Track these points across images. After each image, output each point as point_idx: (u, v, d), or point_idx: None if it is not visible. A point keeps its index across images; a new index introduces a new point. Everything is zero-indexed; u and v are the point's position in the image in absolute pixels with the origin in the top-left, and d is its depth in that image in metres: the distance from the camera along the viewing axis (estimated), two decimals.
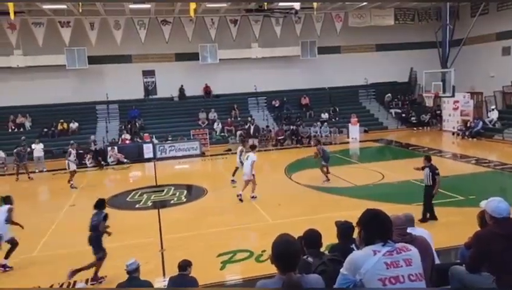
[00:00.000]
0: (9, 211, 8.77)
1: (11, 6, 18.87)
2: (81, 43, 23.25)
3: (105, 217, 7.83)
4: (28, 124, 23.01)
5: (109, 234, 7.97)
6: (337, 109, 26.19)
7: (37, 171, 18.55)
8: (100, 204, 7.97)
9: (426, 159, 9.96)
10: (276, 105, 26.46)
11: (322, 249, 4.45)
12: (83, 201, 13.77)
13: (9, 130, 22.45)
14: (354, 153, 21.30)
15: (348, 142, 22.94)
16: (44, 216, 12.31)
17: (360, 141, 22.91)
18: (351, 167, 17.04)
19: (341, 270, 2.77)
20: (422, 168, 9.87)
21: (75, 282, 7.59)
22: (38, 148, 19.02)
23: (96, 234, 7.72)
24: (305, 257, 4.29)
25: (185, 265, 5.94)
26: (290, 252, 2.66)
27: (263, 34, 25.49)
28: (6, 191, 14.31)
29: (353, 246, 4.50)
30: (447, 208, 10.50)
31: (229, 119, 24.64)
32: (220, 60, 25.35)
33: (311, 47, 26.60)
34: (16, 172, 17.20)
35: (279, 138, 22.75)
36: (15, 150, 17.55)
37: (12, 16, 19.92)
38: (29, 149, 19.50)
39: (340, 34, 26.41)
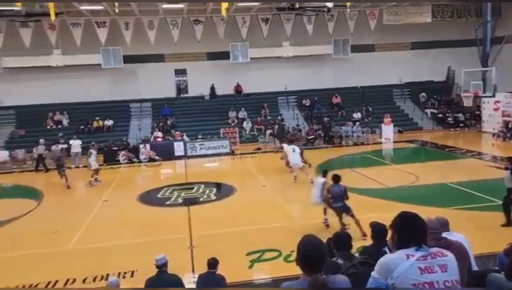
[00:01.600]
0: None
1: (51, 8, 19.59)
2: (116, 43, 23.87)
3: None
4: (65, 121, 23.86)
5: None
6: (370, 109, 25.64)
7: (73, 166, 19.18)
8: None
9: (509, 161, 9.40)
10: (307, 104, 26.21)
11: (351, 252, 4.33)
12: (116, 196, 14.18)
13: (48, 127, 23.35)
14: (386, 153, 20.76)
15: (380, 143, 22.39)
16: (80, 210, 12.71)
17: (394, 142, 22.30)
18: (383, 168, 16.62)
19: (372, 273, 2.69)
20: (506, 169, 9.34)
21: (107, 275, 7.78)
22: (76, 145, 19.68)
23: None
24: (334, 258, 4.19)
25: (213, 263, 5.96)
26: (316, 254, 2.60)
27: (295, 32, 25.30)
28: (43, 184, 14.96)
29: (386, 249, 4.36)
30: (490, 212, 10.01)
31: (258, 118, 24.63)
32: (251, 58, 25.38)
33: (344, 45, 26.18)
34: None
35: (310, 137, 22.50)
36: (56, 161, 16.83)
37: (52, 17, 20.71)
38: (66, 145, 20.31)
39: (374, 31, 25.85)
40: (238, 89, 26.70)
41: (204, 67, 25.93)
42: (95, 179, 15.63)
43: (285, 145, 15.97)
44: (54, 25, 22.67)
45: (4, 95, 23.80)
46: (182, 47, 25.03)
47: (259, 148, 21.77)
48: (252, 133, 23.89)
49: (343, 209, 9.11)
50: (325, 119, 23.77)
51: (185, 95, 26.47)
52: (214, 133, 22.63)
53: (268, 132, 23.06)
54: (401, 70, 27.05)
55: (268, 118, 24.77)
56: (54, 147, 20.56)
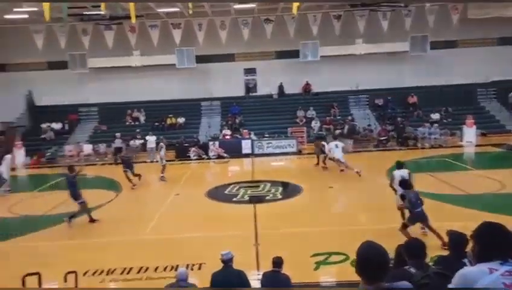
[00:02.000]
0: None
1: (132, 11, 20.84)
2: (190, 44, 24.76)
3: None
4: (142, 118, 25.26)
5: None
6: (450, 109, 23.84)
7: (148, 161, 20.22)
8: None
9: None
10: (380, 104, 25.09)
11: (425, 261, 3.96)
12: (186, 191, 14.66)
13: (127, 123, 24.89)
14: (468, 157, 19.17)
15: (461, 146, 20.70)
16: (153, 202, 13.35)
17: (476, 145, 20.52)
18: (464, 173, 15.32)
19: (449, 285, 2.48)
20: None
21: (177, 266, 8.02)
22: (151, 140, 20.75)
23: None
24: (406, 267, 3.91)
25: (279, 262, 5.86)
26: (376, 261, 2.38)
27: (368, 29, 24.35)
28: (122, 176, 15.88)
29: (465, 260, 3.93)
30: None
31: (327, 118, 24.07)
32: (320, 57, 24.91)
33: (423, 42, 24.61)
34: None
35: (382, 138, 21.48)
36: (121, 155, 17.43)
37: (133, 19, 22.05)
38: (142, 141, 21.54)
39: (456, 26, 24.00)
40: (306, 88, 26.34)
41: (273, 66, 25.94)
42: (161, 177, 16.03)
43: (326, 144, 16.45)
44: (134, 27, 24.11)
45: (89, 93, 25.80)
46: (252, 46, 25.29)
47: None
48: (320, 133, 23.39)
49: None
50: (399, 119, 22.54)
51: (254, 94, 26.70)
52: (281, 132, 22.55)
53: (337, 131, 22.43)
54: (486, 68, 24.77)
55: (338, 117, 24.11)
56: (131, 142, 21.96)
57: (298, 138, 21.93)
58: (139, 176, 15.41)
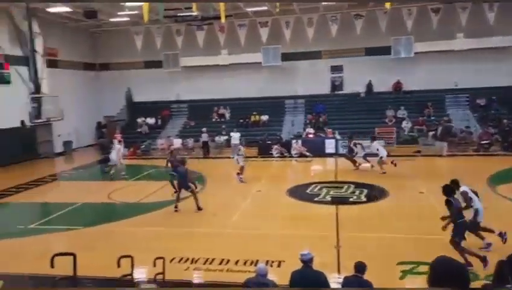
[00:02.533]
0: None
1: (222, 11, 21.54)
2: (276, 42, 24.87)
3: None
4: (227, 115, 26.02)
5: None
6: None
7: (232, 156, 20.70)
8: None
9: None
10: (482, 104, 22.76)
11: None
12: (267, 188, 14.71)
13: (213, 120, 25.82)
14: None
15: None
16: (235, 197, 13.61)
17: None
18: None
19: None
20: None
21: (257, 261, 8.04)
22: (235, 137, 21.27)
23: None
24: (509, 285, 3.39)
25: (361, 267, 5.54)
26: (453, 277, 2.19)
27: (471, 22, 22.18)
28: (208, 170, 16.43)
29: None
30: None
31: (420, 118, 22.46)
32: (415, 53, 23.34)
33: None
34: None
35: (483, 142, 19.41)
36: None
37: (223, 19, 22.79)
38: (227, 137, 22.19)
39: None
40: (397, 86, 24.87)
41: (361, 63, 24.94)
42: (240, 178, 15.76)
43: (375, 143, 16.84)
44: (223, 26, 24.89)
45: (181, 91, 27.29)
46: (340, 43, 24.59)
47: (418, 151, 19.82)
48: (412, 134, 21.91)
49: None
50: (505, 121, 20.21)
51: (340, 92, 25.94)
52: (368, 132, 21.56)
53: (430, 133, 20.84)
54: None
55: (432, 118, 22.37)
56: (217, 138, 22.75)
57: (387, 138, 20.78)
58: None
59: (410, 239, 9.10)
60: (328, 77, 26.04)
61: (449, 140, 19.70)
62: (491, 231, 8.45)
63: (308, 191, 13.90)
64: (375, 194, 13.31)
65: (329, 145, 20.57)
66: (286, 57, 25.12)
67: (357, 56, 25.06)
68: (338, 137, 21.28)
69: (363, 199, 12.84)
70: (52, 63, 23.30)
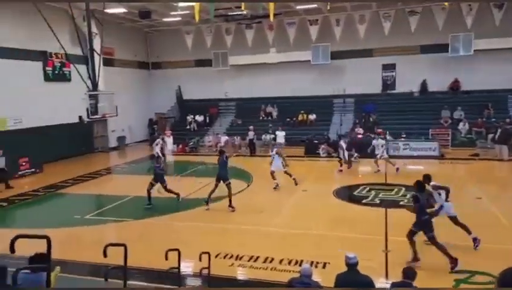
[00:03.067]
0: None
1: (271, 9, 21.49)
2: (325, 40, 24.46)
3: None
4: (274, 114, 25.98)
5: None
6: None
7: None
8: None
9: None
10: None
11: None
12: (314, 188, 14.50)
13: (260, 118, 25.88)
14: None
15: None
16: (281, 196, 13.53)
17: None
18: None
19: None
20: None
21: (301, 261, 7.95)
22: (280, 135, 21.19)
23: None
24: None
25: (411, 273, 5.28)
26: None
27: None
28: (254, 168, 16.47)
29: None
30: None
31: (479, 120, 21.15)
32: (474, 51, 22.02)
33: None
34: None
35: None
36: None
37: (271, 18, 22.73)
38: (273, 135, 22.15)
39: None
40: (455, 85, 23.58)
41: (416, 61, 23.89)
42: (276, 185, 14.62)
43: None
44: (272, 25, 24.86)
45: (229, 89, 27.62)
46: (392, 40, 23.73)
47: (476, 154, 18.69)
48: (469, 136, 20.69)
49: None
50: None
51: (392, 91, 25.03)
52: (421, 133, 20.68)
53: (490, 136, 19.57)
54: None
55: (493, 119, 21.00)
56: (263, 136, 22.79)
57: (441, 140, 19.79)
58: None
59: (465, 247, 8.56)
60: (379, 76, 25.22)
61: (510, 143, 18.38)
62: (468, 231, 8.54)
63: (356, 192, 13.56)
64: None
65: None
66: (335, 55, 24.65)
67: (411, 54, 24.06)
68: (389, 138, 20.54)
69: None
70: (108, 62, 24.44)
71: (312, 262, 7.89)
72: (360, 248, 8.06)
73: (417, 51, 24.06)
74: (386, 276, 7.37)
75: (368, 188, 13.87)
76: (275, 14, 22.50)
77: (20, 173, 17.53)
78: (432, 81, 23.82)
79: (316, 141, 21.22)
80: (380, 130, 21.21)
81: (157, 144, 18.38)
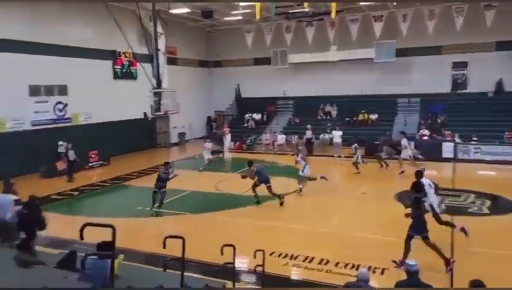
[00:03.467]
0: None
1: (333, 7, 21.05)
2: (390, 36, 23.45)
3: None
4: (333, 113, 25.40)
5: None
6: None
7: (335, 155, 20.21)
8: None
9: None
10: None
11: None
12: (373, 191, 13.94)
13: (318, 117, 25.43)
14: None
15: None
16: (338, 197, 13.18)
17: None
18: None
19: None
20: None
21: (358, 265, 7.68)
22: (337, 135, 20.68)
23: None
24: None
25: (478, 286, 4.81)
26: None
27: None
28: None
29: None
30: None
31: None
32: None
33: None
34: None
35: None
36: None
37: (333, 15, 22.26)
38: (331, 135, 21.65)
39: None
40: None
41: (491, 59, 22.13)
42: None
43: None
44: (334, 22, 24.31)
45: (287, 87, 27.46)
46: (465, 37, 22.18)
47: None
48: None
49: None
50: None
51: (462, 91, 23.40)
52: (494, 136, 19.12)
53: None
54: None
55: None
56: (321, 136, 22.37)
57: None
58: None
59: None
60: (449, 74, 23.70)
61: None
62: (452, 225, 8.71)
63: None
64: (500, 206, 11.71)
65: (447, 149, 18.75)
66: (401, 52, 23.55)
67: (485, 51, 22.34)
68: (458, 140, 19.28)
69: (485, 210, 11.42)
70: (171, 61, 25.37)
71: (369, 267, 7.63)
72: (422, 255, 7.67)
73: (492, 48, 22.28)
74: (451, 285, 6.90)
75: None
76: (337, 11, 22.05)
77: (89, 164, 18.75)
78: (509, 80, 21.93)
79: (377, 142, 20.41)
80: (448, 132, 20.01)
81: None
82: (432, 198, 8.72)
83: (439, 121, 21.56)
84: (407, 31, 22.86)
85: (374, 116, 23.74)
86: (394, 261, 7.75)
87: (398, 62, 23.76)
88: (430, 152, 18.78)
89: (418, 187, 8.21)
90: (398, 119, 23.41)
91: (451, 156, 18.48)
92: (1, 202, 7.82)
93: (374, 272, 7.51)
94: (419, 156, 18.71)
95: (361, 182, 14.76)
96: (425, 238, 7.59)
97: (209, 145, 18.59)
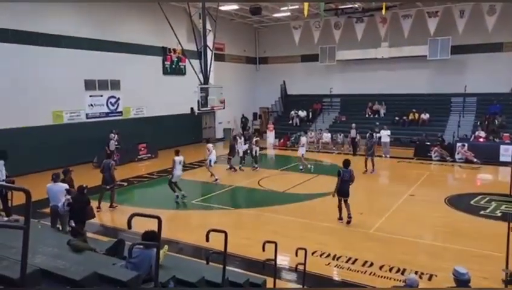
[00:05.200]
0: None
1: (384, 3, 20.39)
2: (445, 33, 22.33)
3: None
4: (382, 111, 24.60)
5: None
6: None
7: (384, 156, 19.58)
8: None
9: None
10: None
11: None
12: (423, 193, 13.36)
13: (366, 116, 24.75)
14: None
15: None
16: (385, 199, 12.77)
17: None
18: None
19: None
20: None
21: (404, 270, 7.47)
22: (384, 134, 19.98)
23: None
24: None
25: None
26: None
27: None
28: (354, 168, 15.81)
29: None
30: None
31: None
32: None
33: None
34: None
35: None
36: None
37: (384, 11, 21.55)
38: (379, 135, 20.95)
39: None
40: None
41: None
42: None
43: None
44: (386, 18, 23.51)
45: (334, 85, 26.95)
46: None
47: None
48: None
49: None
50: None
51: None
52: None
53: None
54: None
55: None
56: (367, 135, 21.66)
57: None
58: None
59: None
60: (510, 73, 22.20)
61: None
62: None
63: (472, 202, 12.16)
64: None
65: (505, 152, 17.59)
66: (456, 49, 22.37)
67: None
68: None
69: None
70: (219, 57, 25.70)
71: (417, 272, 7.38)
72: (473, 263, 7.34)
73: None
74: None
75: (487, 198, 12.36)
76: (388, 7, 21.33)
77: (139, 157, 19.45)
78: None
79: (428, 143, 19.58)
80: (506, 135, 18.78)
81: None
82: None
83: (497, 122, 20.28)
84: (464, 27, 21.66)
85: (425, 116, 22.75)
86: None
87: (453, 60, 22.59)
88: (486, 155, 17.74)
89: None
90: (451, 120, 22.27)
91: (509, 159, 17.31)
92: (55, 191, 8.31)
93: (420, 277, 7.20)
94: (474, 159, 17.79)
95: (410, 183, 14.17)
96: None
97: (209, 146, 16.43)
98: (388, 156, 19.56)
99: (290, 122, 26.30)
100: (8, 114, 15.21)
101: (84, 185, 8.08)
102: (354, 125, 21.35)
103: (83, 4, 17.86)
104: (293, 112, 26.72)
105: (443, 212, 11.39)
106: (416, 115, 22.91)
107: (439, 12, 22.22)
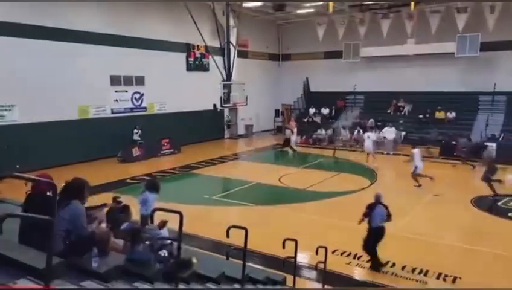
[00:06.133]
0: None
1: None
2: (475, 29, 21.64)
3: None
4: (406, 110, 24.09)
5: None
6: None
7: (401, 153, 19.21)
8: None
9: None
10: None
11: None
12: (448, 193, 13.07)
13: (390, 113, 24.27)
14: None
15: None
16: (408, 198, 12.54)
17: None
18: None
19: None
20: None
21: (426, 271, 7.32)
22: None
23: None
24: None
25: None
26: None
27: None
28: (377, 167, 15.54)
29: None
30: None
31: None
32: None
33: None
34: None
35: None
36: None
37: (412, 6, 21.04)
38: (404, 133, 20.60)
39: None
40: None
41: None
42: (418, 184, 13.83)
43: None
44: (412, 14, 22.96)
45: (358, 82, 26.53)
46: None
47: None
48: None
49: None
50: None
51: None
52: None
53: None
54: None
55: None
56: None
57: None
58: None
59: None
60: None
61: None
62: None
63: (500, 203, 11.84)
64: None
65: None
66: (486, 46, 21.62)
67: None
68: None
69: None
70: (242, 54, 25.72)
71: (440, 274, 7.24)
72: (498, 266, 7.10)
73: None
74: None
75: None
76: (416, 2, 20.83)
77: (162, 152, 19.73)
78: None
79: (454, 142, 19.07)
80: None
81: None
82: None
83: None
84: (495, 23, 20.95)
85: (451, 115, 22.18)
86: None
87: (483, 57, 21.89)
88: None
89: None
90: (479, 119, 21.63)
91: None
92: (148, 199, 7.46)
93: (444, 280, 7.08)
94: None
95: (436, 184, 13.86)
96: None
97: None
98: (391, 153, 19.21)
99: (312, 119, 26.02)
100: (36, 108, 15.66)
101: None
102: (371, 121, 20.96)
103: (110, 3, 18.20)
104: (313, 110, 26.49)
105: (469, 213, 11.12)
106: (443, 114, 22.34)
107: (468, 8, 21.55)
